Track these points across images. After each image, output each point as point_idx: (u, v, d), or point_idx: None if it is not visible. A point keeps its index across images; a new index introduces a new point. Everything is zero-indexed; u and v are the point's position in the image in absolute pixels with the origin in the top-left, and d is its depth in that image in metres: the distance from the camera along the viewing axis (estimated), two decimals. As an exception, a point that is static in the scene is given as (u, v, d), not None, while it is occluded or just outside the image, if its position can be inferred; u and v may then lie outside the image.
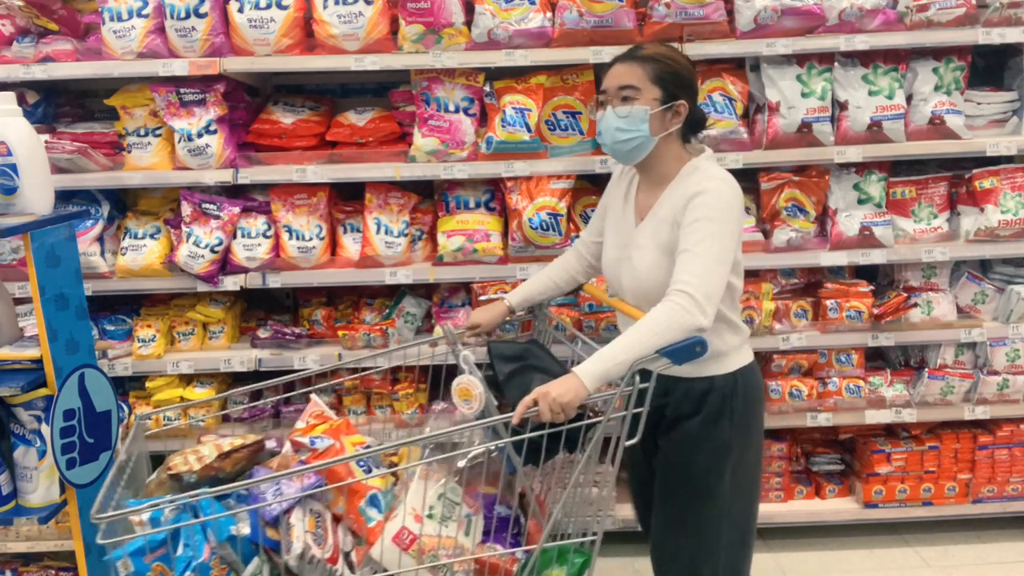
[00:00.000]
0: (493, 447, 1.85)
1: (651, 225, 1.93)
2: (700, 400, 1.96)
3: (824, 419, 3.03)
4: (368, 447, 1.93)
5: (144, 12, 2.77)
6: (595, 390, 1.70)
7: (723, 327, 1.94)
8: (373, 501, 1.85)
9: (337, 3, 2.73)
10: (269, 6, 2.75)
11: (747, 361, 2.02)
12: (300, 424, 2.08)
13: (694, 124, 1.98)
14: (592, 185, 3.13)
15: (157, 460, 3.25)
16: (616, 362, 1.71)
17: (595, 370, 1.70)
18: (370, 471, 1.88)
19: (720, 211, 1.82)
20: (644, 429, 1.76)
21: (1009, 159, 2.95)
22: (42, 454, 2.09)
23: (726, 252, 1.81)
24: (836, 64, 2.87)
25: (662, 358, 1.72)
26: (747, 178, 3.06)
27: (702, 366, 1.90)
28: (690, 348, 1.74)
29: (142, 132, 2.92)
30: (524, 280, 2.92)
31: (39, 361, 2.05)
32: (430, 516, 1.81)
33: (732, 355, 1.99)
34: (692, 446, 1.97)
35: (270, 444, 2.02)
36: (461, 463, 1.82)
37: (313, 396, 2.18)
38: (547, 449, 1.77)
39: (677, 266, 1.80)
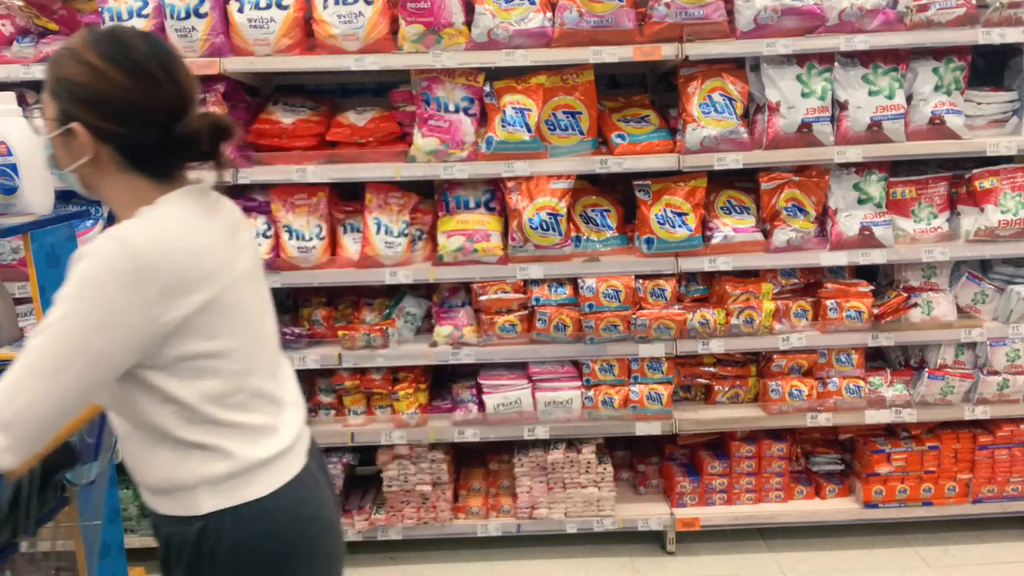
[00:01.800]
0: None
1: None
2: (163, 549, 1.37)
3: (824, 419, 3.03)
4: None
5: (144, 12, 2.77)
6: None
7: (188, 451, 1.28)
8: None
9: (337, 3, 2.73)
10: (269, 6, 2.75)
11: (242, 500, 1.31)
12: None
13: (141, 151, 1.30)
14: (592, 185, 3.13)
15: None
16: None
17: None
18: None
19: (76, 293, 1.17)
20: None
21: (1009, 159, 2.95)
22: (42, 454, 2.08)
23: (57, 357, 1.16)
24: (836, 64, 2.87)
25: None
26: (747, 178, 3.06)
27: (158, 499, 1.33)
28: None
29: (142, 132, 2.92)
30: (523, 280, 2.94)
31: (39, 361, 2.05)
32: None
33: (207, 491, 1.29)
34: None
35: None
36: None
37: None
38: None
39: None
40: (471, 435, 3.01)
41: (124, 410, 1.28)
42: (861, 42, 2.76)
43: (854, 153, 2.84)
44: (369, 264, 2.94)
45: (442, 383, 3.26)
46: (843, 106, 2.87)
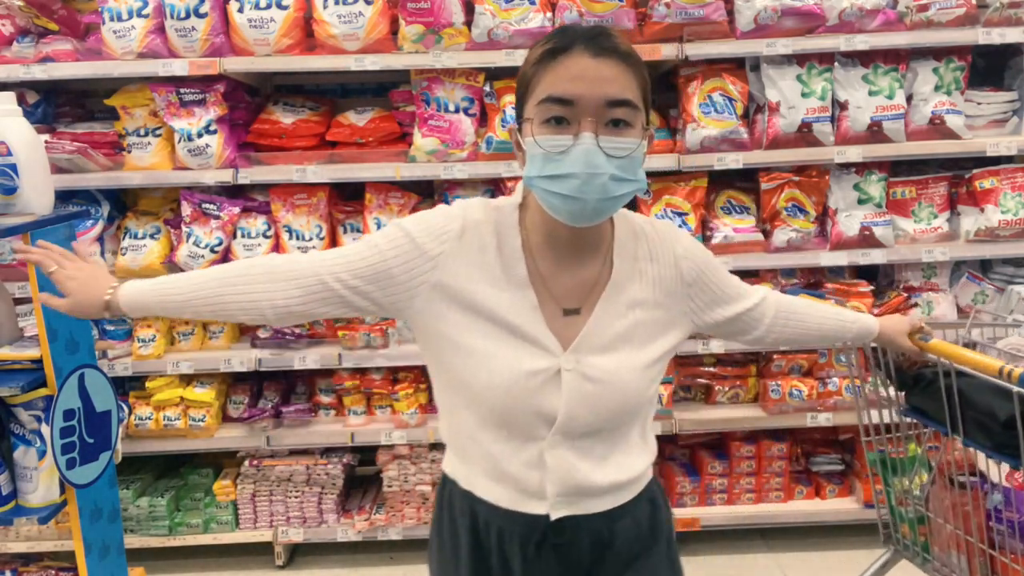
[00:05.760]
0: None
1: (615, 320, 1.27)
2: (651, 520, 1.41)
3: (824, 419, 3.03)
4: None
5: (144, 12, 2.77)
6: None
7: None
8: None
9: (337, 3, 2.73)
10: (269, 6, 2.75)
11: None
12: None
13: None
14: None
15: (158, 460, 3.25)
16: None
17: None
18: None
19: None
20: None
21: (1009, 159, 2.95)
22: (42, 454, 2.09)
23: None
24: (836, 64, 2.87)
25: None
26: (747, 178, 3.07)
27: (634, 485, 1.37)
28: None
29: (142, 132, 2.92)
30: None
31: (39, 361, 2.05)
32: None
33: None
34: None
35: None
36: None
37: None
38: None
39: (743, 287, 1.43)
40: (471, 435, 3.00)
41: (653, 388, 1.33)
42: (861, 42, 2.76)
43: (854, 153, 2.84)
44: (369, 264, 2.93)
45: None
46: (843, 106, 2.87)
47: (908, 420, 1.92)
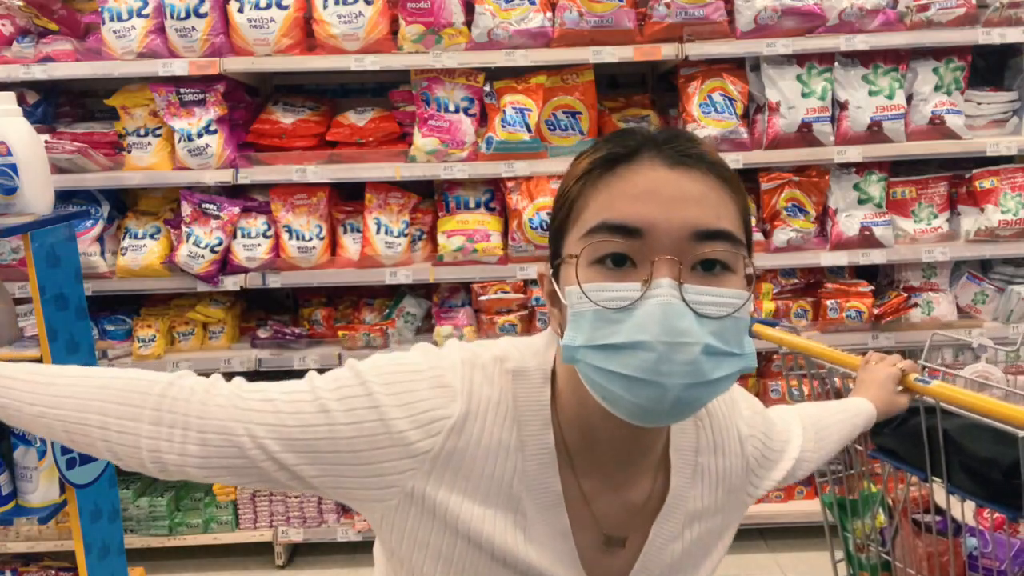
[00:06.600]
0: None
1: (670, 544, 0.92)
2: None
3: (824, 419, 3.03)
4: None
5: (144, 12, 2.76)
6: None
7: None
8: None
9: (337, 3, 2.73)
10: (269, 6, 2.75)
11: None
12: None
13: None
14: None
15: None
16: None
17: None
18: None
19: None
20: None
21: (1009, 159, 2.94)
22: (42, 454, 2.09)
23: None
24: (836, 64, 2.87)
25: None
26: (747, 178, 3.06)
27: None
28: None
29: (142, 132, 2.92)
30: (523, 280, 2.93)
31: (39, 361, 2.05)
32: None
33: None
34: None
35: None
36: None
37: None
38: None
39: (784, 429, 1.08)
40: (471, 435, 3.00)
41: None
42: (861, 42, 2.76)
43: (854, 153, 2.84)
44: (369, 264, 2.94)
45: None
46: (843, 106, 2.87)
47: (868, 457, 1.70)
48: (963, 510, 1.53)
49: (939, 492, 1.54)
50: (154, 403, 0.82)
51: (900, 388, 1.41)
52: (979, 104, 2.98)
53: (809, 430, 1.12)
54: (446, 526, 0.83)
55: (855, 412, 1.30)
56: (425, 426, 0.81)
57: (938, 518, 1.67)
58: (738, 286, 0.76)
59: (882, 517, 1.78)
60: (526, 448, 0.84)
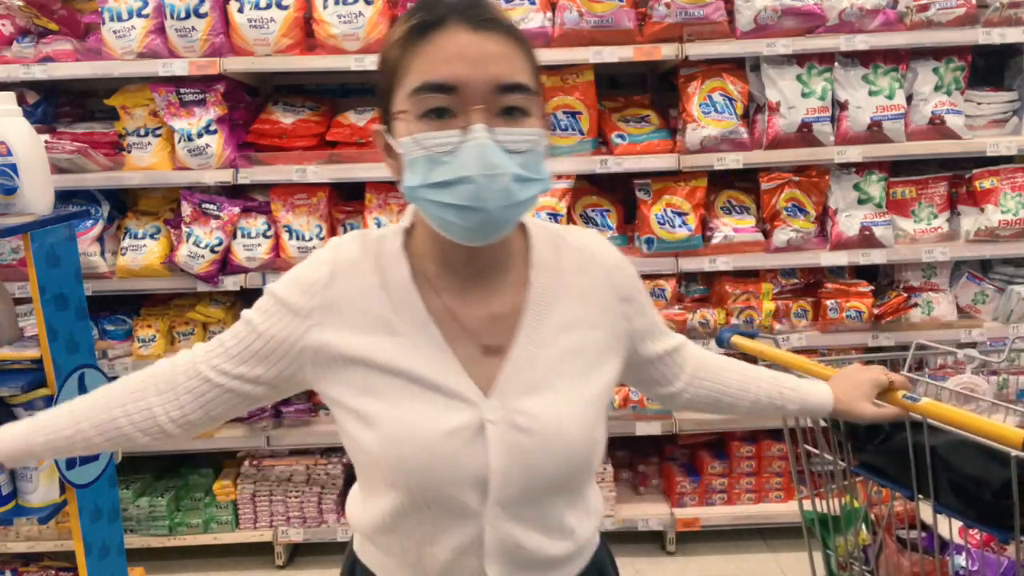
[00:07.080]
0: None
1: (543, 349, 1.03)
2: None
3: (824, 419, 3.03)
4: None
5: (144, 12, 2.76)
6: None
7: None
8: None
9: (337, 3, 2.73)
10: (269, 6, 2.75)
11: None
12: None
13: None
14: (592, 185, 3.13)
15: (158, 460, 3.25)
16: None
17: None
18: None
19: None
20: None
21: (1009, 159, 2.95)
22: (42, 454, 2.09)
23: None
24: (836, 64, 2.87)
25: None
26: (747, 178, 3.07)
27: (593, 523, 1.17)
28: None
29: (142, 132, 2.92)
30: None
31: (39, 361, 2.05)
32: None
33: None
34: None
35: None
36: None
37: None
38: None
39: (664, 325, 1.21)
40: (471, 435, 3.00)
41: (600, 430, 1.08)
42: (861, 42, 2.76)
43: (854, 153, 2.84)
44: (369, 264, 2.93)
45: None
46: (843, 106, 2.87)
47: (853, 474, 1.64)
48: (950, 526, 1.49)
49: (924, 507, 1.49)
50: (151, 381, 1.07)
51: (883, 403, 1.35)
52: (979, 104, 2.98)
53: (697, 357, 1.26)
54: (347, 361, 1.01)
55: (791, 385, 1.31)
56: (304, 291, 1.03)
57: (923, 534, 1.62)
58: (536, 126, 0.95)
59: (865, 534, 1.73)
60: (388, 284, 1.03)
